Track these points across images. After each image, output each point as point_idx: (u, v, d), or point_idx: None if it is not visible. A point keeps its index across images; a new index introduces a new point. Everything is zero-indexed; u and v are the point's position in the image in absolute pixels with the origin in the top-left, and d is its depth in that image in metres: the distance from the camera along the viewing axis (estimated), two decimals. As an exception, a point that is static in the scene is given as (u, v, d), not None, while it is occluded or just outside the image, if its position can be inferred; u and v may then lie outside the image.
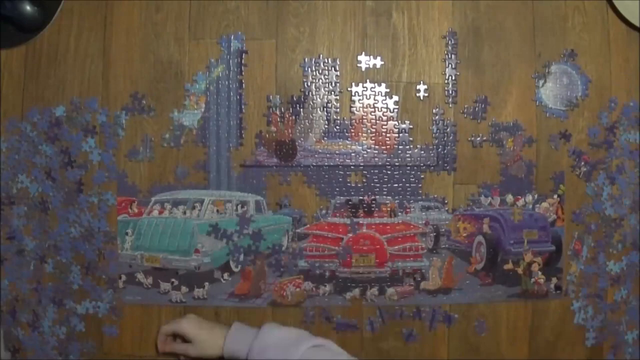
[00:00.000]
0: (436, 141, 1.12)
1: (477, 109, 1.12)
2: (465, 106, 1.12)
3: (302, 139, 1.11)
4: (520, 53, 1.14)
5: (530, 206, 1.13)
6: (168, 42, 1.11)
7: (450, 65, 1.12)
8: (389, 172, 1.12)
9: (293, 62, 1.11)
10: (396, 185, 1.12)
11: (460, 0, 1.13)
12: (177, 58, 1.11)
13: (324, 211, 1.11)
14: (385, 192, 1.12)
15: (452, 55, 1.12)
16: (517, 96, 1.13)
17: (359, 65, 1.12)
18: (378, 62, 1.12)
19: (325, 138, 1.11)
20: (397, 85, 1.12)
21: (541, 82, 1.13)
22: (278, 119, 1.11)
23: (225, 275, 1.10)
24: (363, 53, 1.12)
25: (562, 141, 1.13)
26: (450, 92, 1.12)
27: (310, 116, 1.11)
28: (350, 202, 1.11)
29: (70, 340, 1.11)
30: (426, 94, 1.12)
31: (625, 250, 1.14)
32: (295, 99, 1.11)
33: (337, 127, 1.11)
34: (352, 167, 1.11)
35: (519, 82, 1.13)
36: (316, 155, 1.11)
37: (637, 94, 1.14)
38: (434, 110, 1.12)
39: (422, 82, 1.12)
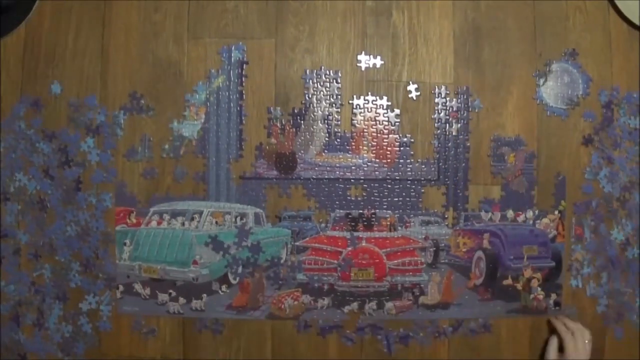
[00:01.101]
0: (437, 155, 1.12)
1: (477, 120, 1.12)
2: (463, 120, 1.12)
3: (302, 151, 1.10)
4: (521, 53, 1.13)
5: (531, 222, 1.12)
6: (167, 41, 1.10)
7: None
8: (389, 185, 1.11)
9: (293, 61, 1.11)
10: (396, 199, 1.11)
11: (461, 0, 1.12)
12: (176, 58, 1.10)
13: (323, 224, 1.10)
14: (385, 206, 1.11)
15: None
16: (517, 96, 1.13)
17: (358, 64, 1.11)
18: (378, 61, 1.12)
19: (326, 151, 1.11)
20: (397, 85, 1.12)
21: (542, 80, 1.13)
22: (278, 131, 1.10)
23: (224, 287, 1.10)
24: (363, 52, 1.11)
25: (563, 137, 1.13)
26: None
27: (311, 129, 1.10)
28: (350, 216, 1.11)
29: (74, 340, 1.11)
30: (422, 93, 1.12)
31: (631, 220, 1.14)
32: (296, 111, 1.10)
33: (338, 140, 1.11)
34: (352, 180, 1.11)
35: (520, 81, 1.13)
36: (316, 168, 1.10)
37: (638, 92, 1.14)
38: (435, 125, 1.11)
39: (421, 81, 1.12)
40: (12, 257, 1.10)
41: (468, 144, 1.12)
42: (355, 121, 1.11)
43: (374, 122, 1.11)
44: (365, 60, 1.11)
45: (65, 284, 1.10)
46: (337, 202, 1.11)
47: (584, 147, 1.13)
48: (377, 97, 1.11)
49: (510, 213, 1.12)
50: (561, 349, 1.08)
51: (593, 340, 1.11)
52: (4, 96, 1.09)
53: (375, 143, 1.11)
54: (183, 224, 1.10)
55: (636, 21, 1.11)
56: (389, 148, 1.11)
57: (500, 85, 1.12)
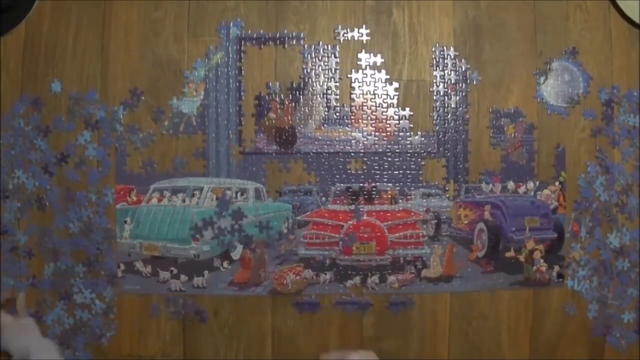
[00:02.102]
0: (437, 128, 1.12)
1: (477, 96, 1.12)
2: (462, 100, 1.12)
3: (302, 126, 1.10)
4: (522, 51, 1.13)
5: (532, 193, 1.12)
6: (167, 39, 1.10)
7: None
8: (389, 159, 1.11)
9: (293, 60, 1.11)
10: (397, 172, 1.11)
11: (461, -1, 1.13)
12: (175, 56, 1.10)
13: (324, 198, 1.10)
14: (385, 179, 1.11)
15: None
16: (518, 94, 1.13)
17: (359, 63, 1.12)
18: (378, 59, 1.12)
19: (325, 125, 1.11)
20: (400, 65, 1.12)
21: (542, 78, 1.13)
22: (278, 106, 1.10)
23: (225, 264, 1.10)
24: (363, 51, 1.12)
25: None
26: (451, 72, 1.12)
27: (310, 103, 1.11)
28: (350, 190, 1.10)
29: (74, 335, 1.10)
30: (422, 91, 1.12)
31: (630, 225, 1.14)
32: (295, 85, 1.10)
33: (337, 114, 1.11)
34: (352, 154, 1.11)
35: (520, 79, 1.13)
36: (316, 142, 1.10)
37: (638, 91, 1.14)
38: (434, 97, 1.12)
39: (422, 80, 1.12)
40: (10, 253, 1.09)
41: (467, 117, 1.12)
42: (354, 95, 1.11)
43: (372, 96, 1.11)
44: (366, 59, 1.11)
45: (68, 286, 1.09)
46: (337, 176, 1.10)
47: (584, 146, 1.13)
48: (376, 71, 1.11)
49: (510, 184, 1.12)
50: None
51: (593, 340, 1.12)
52: (4, 94, 1.09)
53: (374, 116, 1.11)
54: (184, 201, 1.10)
55: (637, 20, 1.12)
56: (388, 121, 1.11)
57: (501, 83, 1.13)
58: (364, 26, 1.11)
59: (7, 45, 1.10)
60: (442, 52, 1.12)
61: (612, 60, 1.14)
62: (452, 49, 1.12)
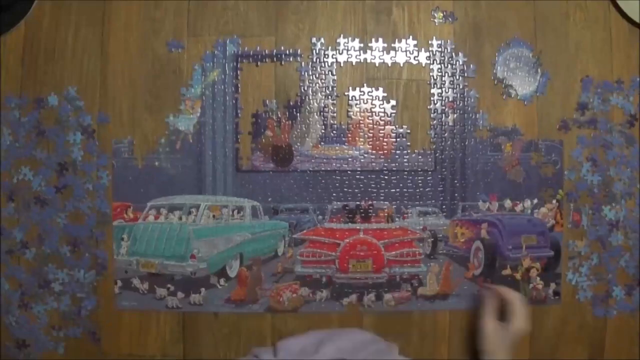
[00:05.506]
0: (434, 146, 1.11)
1: (476, 113, 1.12)
2: (462, 109, 1.12)
3: (298, 143, 1.10)
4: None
5: (529, 211, 1.12)
6: (166, 38, 1.10)
7: (450, 62, 1.12)
8: (386, 177, 1.11)
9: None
10: (393, 190, 1.11)
11: (461, -2, 1.12)
12: (175, 55, 1.10)
13: (320, 216, 1.10)
14: (382, 197, 1.11)
15: (453, 52, 1.12)
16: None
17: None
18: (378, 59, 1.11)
19: (322, 143, 1.10)
20: (397, 82, 1.11)
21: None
22: (274, 124, 1.10)
23: (222, 281, 1.10)
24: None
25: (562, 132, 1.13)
26: (449, 90, 1.12)
27: (307, 121, 1.10)
28: (347, 208, 1.10)
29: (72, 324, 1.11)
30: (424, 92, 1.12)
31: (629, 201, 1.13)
32: (292, 103, 1.10)
33: (334, 131, 1.10)
34: (349, 172, 1.10)
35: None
36: (313, 160, 1.10)
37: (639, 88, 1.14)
38: (431, 115, 1.11)
39: (421, 79, 1.12)
40: (6, 255, 1.10)
41: (464, 134, 1.12)
42: (351, 112, 1.11)
43: (369, 114, 1.11)
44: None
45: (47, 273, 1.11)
46: (334, 194, 1.10)
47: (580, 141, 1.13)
48: (373, 89, 1.11)
49: (508, 203, 1.12)
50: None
51: (593, 338, 1.12)
52: (3, 94, 1.09)
53: (371, 134, 1.11)
54: (180, 218, 1.10)
55: (637, 19, 1.11)
56: (385, 139, 1.11)
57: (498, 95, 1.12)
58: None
59: (7, 44, 1.10)
60: (440, 69, 1.12)
61: (612, 59, 1.13)
62: (449, 66, 1.11)
